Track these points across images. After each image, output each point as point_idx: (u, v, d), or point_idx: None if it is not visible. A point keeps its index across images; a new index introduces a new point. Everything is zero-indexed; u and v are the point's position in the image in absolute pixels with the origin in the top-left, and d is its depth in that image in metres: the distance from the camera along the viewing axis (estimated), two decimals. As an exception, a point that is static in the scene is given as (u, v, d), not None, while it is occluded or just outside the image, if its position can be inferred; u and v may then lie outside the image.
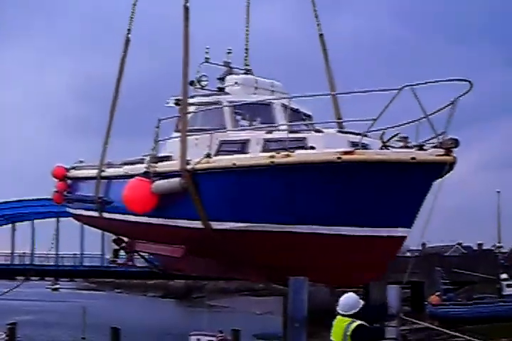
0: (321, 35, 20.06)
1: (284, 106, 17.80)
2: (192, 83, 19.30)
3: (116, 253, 24.00)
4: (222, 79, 19.51)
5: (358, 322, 9.49)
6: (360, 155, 13.87)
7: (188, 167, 16.44)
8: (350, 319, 9.46)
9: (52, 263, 55.96)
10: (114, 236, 24.16)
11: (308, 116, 18.70)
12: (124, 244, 23.49)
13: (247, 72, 20.15)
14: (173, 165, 16.99)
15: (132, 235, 19.54)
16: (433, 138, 14.21)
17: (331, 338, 9.67)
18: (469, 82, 13.32)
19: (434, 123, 13.90)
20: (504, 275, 38.86)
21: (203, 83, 19.37)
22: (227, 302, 52.76)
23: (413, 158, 13.53)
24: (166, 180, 16.90)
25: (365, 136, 15.61)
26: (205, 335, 26.55)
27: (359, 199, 14.09)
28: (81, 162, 23.35)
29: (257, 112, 17.84)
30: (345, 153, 13.97)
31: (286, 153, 14.60)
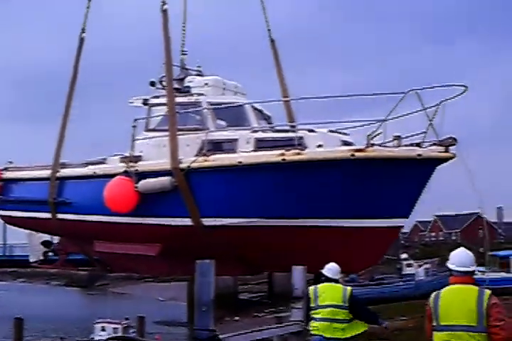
0: (272, 40, 21.02)
1: (253, 107, 18.72)
2: (153, 84, 19.62)
3: (46, 254, 23.69)
4: (181, 80, 19.89)
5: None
6: (371, 152, 15.10)
7: (182, 166, 16.85)
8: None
9: None
10: (42, 239, 23.82)
11: (269, 117, 19.65)
12: (55, 246, 23.31)
13: (199, 72, 20.67)
14: (161, 164, 17.28)
15: (94, 235, 19.33)
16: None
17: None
18: (465, 86, 14.98)
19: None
20: (404, 255, 40.02)
21: (164, 83, 19.65)
22: (130, 289, 51.90)
23: (419, 155, 14.98)
24: (154, 179, 17.15)
25: (346, 134, 17.03)
26: (110, 323, 26.54)
27: (368, 192, 15.33)
28: (10, 163, 22.71)
29: (231, 113, 18.47)
30: (358, 150, 15.15)
31: (296, 151, 15.53)
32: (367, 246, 15.49)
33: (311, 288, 9.48)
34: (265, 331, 9.86)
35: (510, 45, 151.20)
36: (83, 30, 20.48)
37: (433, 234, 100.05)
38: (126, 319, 27.28)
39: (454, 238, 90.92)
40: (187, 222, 17.14)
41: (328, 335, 9.22)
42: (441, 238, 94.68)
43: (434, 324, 7.03)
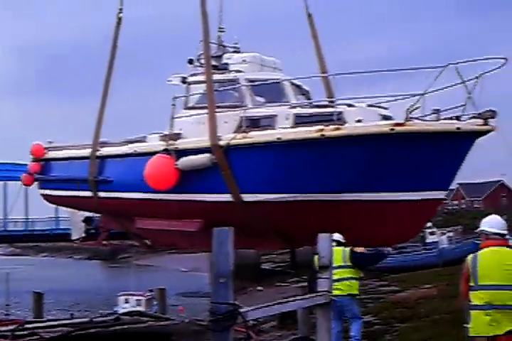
0: (309, 15, 20.91)
1: (291, 83, 18.72)
2: (191, 61, 19.73)
3: (87, 231, 24.30)
4: (218, 57, 19.92)
5: None
6: (411, 126, 15.05)
7: (221, 143, 16.96)
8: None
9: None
10: (82, 216, 24.28)
11: (308, 92, 19.62)
12: (97, 223, 23.83)
13: (237, 49, 20.67)
14: (200, 141, 17.41)
15: (136, 212, 19.60)
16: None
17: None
18: (505, 59, 14.79)
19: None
20: (428, 224, 40.02)
21: (202, 61, 19.69)
22: (153, 261, 52.65)
23: (458, 128, 14.90)
24: (193, 156, 17.30)
25: (385, 108, 16.96)
26: (133, 295, 26.88)
27: (407, 166, 15.30)
28: (50, 142, 23.09)
29: (269, 89, 18.50)
30: (397, 124, 15.10)
31: (335, 126, 15.54)
32: (405, 220, 15.51)
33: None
34: (290, 303, 9.39)
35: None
36: (120, 10, 20.58)
37: (455, 202, 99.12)
38: (150, 291, 27.66)
39: (476, 206, 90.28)
40: (227, 197, 17.29)
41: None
42: (463, 206, 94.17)
43: (472, 284, 7.25)
